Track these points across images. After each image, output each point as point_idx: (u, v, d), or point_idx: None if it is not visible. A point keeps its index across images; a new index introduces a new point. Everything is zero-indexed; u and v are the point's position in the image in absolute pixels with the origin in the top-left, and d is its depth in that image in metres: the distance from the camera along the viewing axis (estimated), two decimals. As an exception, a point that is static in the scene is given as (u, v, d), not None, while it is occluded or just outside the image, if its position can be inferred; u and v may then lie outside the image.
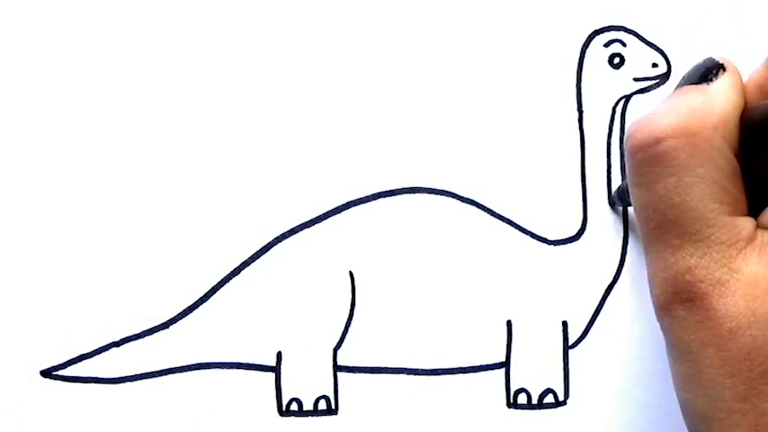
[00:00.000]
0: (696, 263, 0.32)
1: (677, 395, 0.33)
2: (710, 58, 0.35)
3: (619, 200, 0.42)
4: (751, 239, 0.32)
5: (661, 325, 0.34)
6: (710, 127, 0.32)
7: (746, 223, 0.32)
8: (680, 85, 0.35)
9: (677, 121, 0.33)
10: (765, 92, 0.34)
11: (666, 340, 0.34)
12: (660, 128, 0.33)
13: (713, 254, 0.32)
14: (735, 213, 0.32)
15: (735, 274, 0.32)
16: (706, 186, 0.32)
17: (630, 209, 0.42)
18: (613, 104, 0.43)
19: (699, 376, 0.32)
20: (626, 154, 0.34)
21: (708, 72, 0.34)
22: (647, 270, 0.34)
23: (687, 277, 0.32)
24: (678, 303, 0.32)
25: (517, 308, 0.42)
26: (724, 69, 0.34)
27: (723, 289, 0.32)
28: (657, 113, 0.33)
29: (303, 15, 0.42)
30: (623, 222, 0.42)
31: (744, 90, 0.34)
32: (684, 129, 0.32)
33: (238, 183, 0.42)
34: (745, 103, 0.34)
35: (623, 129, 0.42)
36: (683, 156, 0.32)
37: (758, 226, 0.33)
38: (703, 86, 0.34)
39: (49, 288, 0.42)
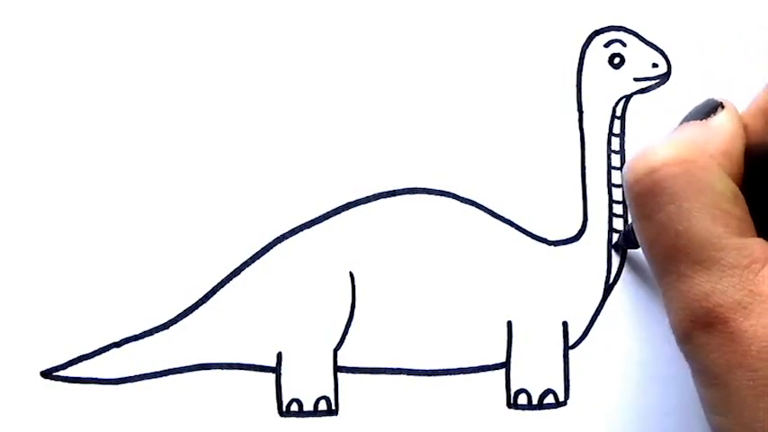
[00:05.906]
0: (712, 288, 0.31)
1: (709, 421, 0.32)
2: (710, 98, 0.35)
3: (625, 242, 0.42)
4: (766, 260, 0.31)
5: (684, 353, 0.33)
6: (707, 156, 0.32)
7: (756, 244, 0.32)
8: (681, 123, 0.35)
9: (673, 151, 0.32)
10: None
11: (691, 367, 0.33)
12: (656, 158, 0.32)
13: (728, 278, 0.31)
14: (743, 235, 0.32)
15: (757, 297, 0.31)
16: (708, 211, 0.32)
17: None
18: (613, 104, 0.42)
19: (729, 400, 0.31)
20: (625, 189, 0.34)
21: (708, 111, 0.34)
22: (664, 304, 0.33)
23: (704, 303, 0.31)
24: (698, 330, 0.31)
25: (517, 308, 0.42)
26: (723, 107, 0.34)
27: (746, 311, 0.31)
28: (654, 146, 0.33)
29: (303, 16, 0.42)
30: (623, 222, 0.42)
31: (745, 125, 0.34)
32: (680, 157, 0.32)
33: (238, 184, 0.42)
34: (749, 135, 0.34)
35: (623, 129, 0.42)
36: (681, 182, 0.32)
37: None
38: (703, 122, 0.34)
39: (49, 288, 0.42)
